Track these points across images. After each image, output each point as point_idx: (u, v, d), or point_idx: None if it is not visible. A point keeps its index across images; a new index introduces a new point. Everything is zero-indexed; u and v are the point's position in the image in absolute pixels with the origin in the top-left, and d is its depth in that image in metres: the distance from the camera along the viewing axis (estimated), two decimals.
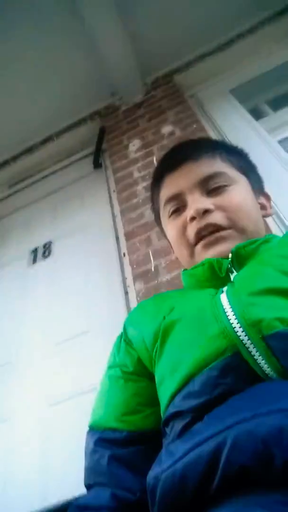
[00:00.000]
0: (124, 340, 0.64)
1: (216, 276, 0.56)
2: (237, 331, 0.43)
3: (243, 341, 0.42)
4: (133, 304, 1.17)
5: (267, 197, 0.73)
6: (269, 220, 1.08)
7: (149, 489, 0.39)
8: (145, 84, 1.99)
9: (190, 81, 1.92)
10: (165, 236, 0.76)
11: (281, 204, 1.13)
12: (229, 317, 0.45)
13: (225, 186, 0.63)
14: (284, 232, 1.07)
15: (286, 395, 0.35)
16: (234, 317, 0.44)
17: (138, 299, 1.13)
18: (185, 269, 0.66)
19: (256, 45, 1.82)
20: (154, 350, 0.54)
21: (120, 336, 0.66)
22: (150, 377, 0.57)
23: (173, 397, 0.46)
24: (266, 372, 0.40)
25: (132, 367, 0.59)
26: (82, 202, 1.83)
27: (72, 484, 0.71)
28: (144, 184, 1.47)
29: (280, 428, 0.31)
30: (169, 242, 0.74)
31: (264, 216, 0.69)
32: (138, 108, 1.90)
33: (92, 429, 0.58)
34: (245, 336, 0.42)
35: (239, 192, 0.63)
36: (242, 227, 0.60)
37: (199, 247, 0.60)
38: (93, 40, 1.70)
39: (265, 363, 0.40)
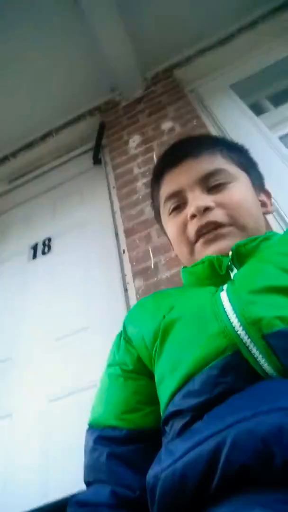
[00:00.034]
0: (124, 338, 0.64)
1: (216, 274, 0.56)
2: (237, 330, 0.43)
3: (243, 340, 0.42)
4: (133, 301, 1.17)
5: (268, 194, 0.72)
6: (269, 217, 1.07)
7: (148, 488, 0.39)
8: (145, 79, 1.97)
9: (190, 76, 1.91)
10: (165, 233, 0.76)
11: (281, 201, 1.12)
12: (229, 316, 0.45)
13: (226, 183, 0.62)
14: (285, 229, 1.07)
15: (286, 393, 0.35)
16: (234, 315, 0.44)
17: (138, 296, 1.13)
18: (185, 267, 0.66)
19: (256, 40, 1.81)
20: (154, 349, 0.54)
21: (120, 334, 0.66)
22: (150, 375, 0.57)
23: (173, 396, 0.46)
24: (266, 370, 0.39)
25: (131, 365, 0.59)
26: (81, 198, 1.83)
27: (72, 480, 0.72)
28: (144, 180, 1.47)
29: (280, 426, 0.31)
30: (169, 239, 0.73)
31: (265, 213, 0.69)
32: (138, 103, 1.89)
33: (92, 427, 0.57)
34: (245, 334, 0.42)
35: (239, 189, 0.63)
36: (243, 224, 0.59)
37: (199, 244, 0.60)
38: (93, 35, 1.68)
39: (265, 362, 0.40)
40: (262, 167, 0.76)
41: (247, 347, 0.41)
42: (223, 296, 0.48)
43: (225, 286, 0.51)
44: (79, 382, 1.16)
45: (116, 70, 1.85)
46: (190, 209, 0.61)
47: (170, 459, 0.37)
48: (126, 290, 1.25)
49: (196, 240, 0.61)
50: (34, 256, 1.69)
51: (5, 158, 2.19)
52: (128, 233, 1.34)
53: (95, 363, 1.09)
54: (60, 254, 1.63)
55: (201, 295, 0.53)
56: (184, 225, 0.63)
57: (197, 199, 0.61)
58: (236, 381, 0.41)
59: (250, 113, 1.57)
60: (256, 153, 0.77)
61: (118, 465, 0.51)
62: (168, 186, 0.68)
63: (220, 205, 0.60)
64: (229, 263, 0.55)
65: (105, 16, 1.60)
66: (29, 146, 2.16)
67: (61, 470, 0.99)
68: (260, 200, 0.68)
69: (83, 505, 0.47)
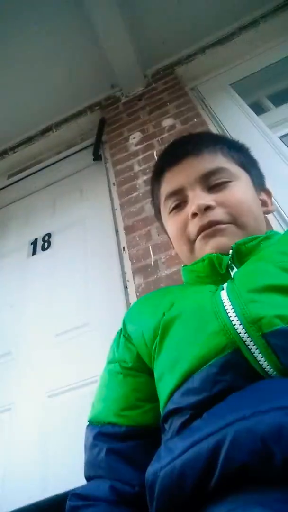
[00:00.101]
0: (124, 335, 0.64)
1: (216, 272, 0.56)
2: (237, 328, 0.43)
3: (243, 339, 0.42)
4: (133, 298, 1.18)
5: (268, 193, 0.72)
6: (269, 216, 1.08)
7: (147, 485, 0.39)
8: (145, 76, 1.96)
9: (191, 74, 1.90)
10: (165, 231, 0.76)
11: (282, 200, 1.12)
12: (229, 314, 0.45)
13: (227, 182, 0.62)
14: (285, 229, 1.08)
15: (286, 393, 0.35)
16: (234, 314, 0.44)
17: (138, 293, 1.13)
18: (185, 265, 0.66)
19: (257, 39, 1.80)
20: (154, 346, 0.54)
21: (120, 332, 0.66)
22: (149, 372, 0.57)
23: (172, 393, 0.46)
24: (266, 369, 0.40)
25: (131, 362, 0.60)
26: (81, 194, 1.83)
27: (72, 475, 0.72)
28: (145, 177, 1.46)
29: (279, 426, 0.31)
30: (169, 237, 0.73)
31: (265, 212, 0.69)
32: (139, 100, 1.88)
33: (92, 423, 0.58)
34: (245, 333, 0.42)
35: (240, 188, 0.63)
36: (243, 223, 0.59)
37: (199, 240, 0.60)
38: (94, 31, 1.68)
39: (265, 361, 0.40)
40: (263, 167, 0.76)
41: (247, 346, 0.41)
42: (223, 294, 0.48)
43: (225, 285, 0.51)
44: (78, 378, 1.16)
45: (117, 66, 1.84)
46: (191, 208, 0.61)
47: (169, 457, 0.37)
48: (126, 287, 1.25)
49: (197, 238, 0.61)
50: (34, 252, 1.69)
51: (4, 153, 2.18)
52: (128, 230, 1.34)
53: (95, 360, 1.09)
54: (60, 250, 1.63)
55: (201, 294, 0.53)
56: (185, 224, 0.63)
57: (198, 197, 0.61)
58: (236, 379, 0.41)
59: (250, 112, 1.57)
60: (257, 153, 0.76)
61: (117, 461, 0.51)
62: (168, 184, 0.68)
63: (221, 204, 0.60)
64: (229, 262, 0.55)
65: (107, 12, 1.59)
66: (28, 141, 2.15)
67: (61, 465, 1.00)
68: (260, 199, 0.68)
69: (82, 498, 0.48)
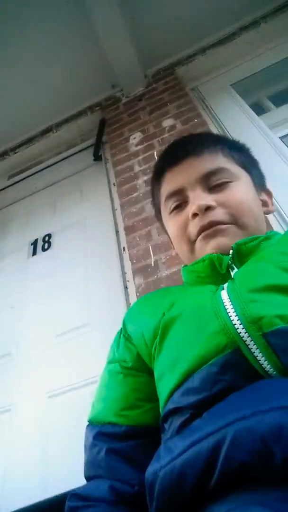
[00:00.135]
0: (124, 335, 0.64)
1: (216, 273, 0.56)
2: (237, 328, 0.43)
3: (243, 338, 0.42)
4: (133, 298, 1.18)
5: (269, 194, 0.72)
6: (270, 216, 1.08)
7: (147, 485, 0.39)
8: (146, 76, 1.96)
9: (192, 74, 1.90)
10: (165, 231, 0.76)
11: (282, 201, 1.12)
12: (229, 314, 0.45)
13: (227, 182, 0.62)
14: (285, 229, 1.07)
15: (286, 392, 0.35)
16: (235, 314, 0.44)
17: (138, 294, 1.13)
18: (185, 265, 0.66)
19: (258, 39, 1.81)
20: (154, 346, 0.54)
21: (120, 332, 0.66)
22: (149, 372, 0.57)
23: (172, 393, 0.46)
24: (266, 369, 0.40)
25: (131, 362, 0.60)
26: (82, 195, 1.83)
27: (72, 475, 0.72)
28: (145, 178, 1.46)
29: (279, 425, 0.31)
30: (169, 237, 0.73)
31: (266, 212, 0.68)
32: (139, 100, 1.88)
33: (92, 423, 0.58)
34: (245, 333, 0.42)
35: (241, 189, 0.63)
36: (244, 223, 0.59)
37: (199, 240, 0.60)
38: (94, 32, 1.68)
39: (265, 360, 0.40)
40: (263, 167, 0.76)
41: (247, 346, 0.41)
42: (224, 294, 0.48)
43: (225, 285, 0.51)
44: (78, 379, 1.16)
45: (117, 66, 1.84)
46: (191, 208, 0.61)
47: (169, 457, 0.37)
48: (126, 287, 1.25)
49: (197, 239, 0.61)
50: (34, 252, 1.69)
51: (5, 153, 2.18)
52: (129, 230, 1.34)
53: (95, 360, 1.09)
54: (60, 251, 1.63)
55: (202, 293, 0.53)
56: (185, 224, 0.63)
57: (199, 198, 0.61)
58: (236, 379, 0.41)
59: (251, 112, 1.57)
60: (257, 153, 0.76)
61: (117, 461, 0.51)
62: (169, 184, 0.68)
63: (221, 204, 0.60)
64: (230, 262, 0.55)
65: (107, 12, 1.60)
66: (29, 141, 2.15)
67: (61, 466, 1.00)
68: (261, 200, 0.68)
69: (82, 498, 0.48)
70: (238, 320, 0.43)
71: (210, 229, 0.58)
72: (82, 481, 0.54)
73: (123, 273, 1.30)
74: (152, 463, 0.41)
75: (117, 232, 1.46)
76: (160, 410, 0.49)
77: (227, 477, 0.32)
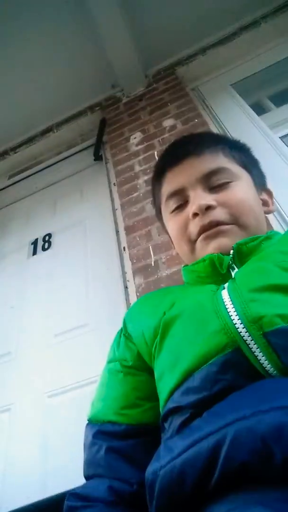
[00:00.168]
0: (124, 334, 0.64)
1: (217, 272, 0.56)
2: (238, 327, 0.43)
3: (243, 338, 0.42)
4: (133, 298, 1.17)
5: (269, 193, 0.72)
6: (270, 216, 1.08)
7: (147, 484, 0.39)
8: (146, 76, 1.96)
9: (192, 74, 1.90)
10: (166, 231, 0.76)
11: (282, 200, 1.12)
12: (230, 313, 0.45)
13: (228, 182, 0.62)
14: (286, 229, 1.07)
15: (286, 392, 0.35)
16: (235, 313, 0.44)
17: (138, 293, 1.13)
18: (185, 265, 0.66)
19: (258, 39, 1.80)
20: (154, 345, 0.54)
21: (120, 331, 0.66)
22: (150, 371, 0.57)
23: (172, 392, 0.46)
24: (267, 369, 0.40)
25: (131, 361, 0.60)
26: (82, 195, 1.83)
27: (72, 475, 0.72)
28: (145, 177, 1.46)
29: (280, 425, 0.31)
30: (170, 237, 0.73)
31: (266, 212, 0.68)
32: (140, 100, 1.88)
33: (91, 422, 0.58)
34: (246, 332, 0.42)
35: (241, 188, 0.63)
36: (244, 223, 0.59)
37: (200, 240, 0.60)
38: (95, 31, 1.68)
39: (266, 360, 0.40)
40: (263, 167, 0.76)
41: (248, 345, 0.41)
42: (224, 294, 0.48)
43: (226, 285, 0.51)
44: (78, 378, 1.16)
45: (117, 66, 1.84)
46: (192, 208, 0.61)
47: (169, 456, 0.37)
48: (126, 287, 1.25)
49: (198, 238, 0.61)
50: (34, 252, 1.69)
51: (5, 153, 2.18)
52: (129, 230, 1.34)
53: (95, 360, 1.09)
54: (61, 251, 1.63)
55: (202, 293, 0.53)
56: (186, 224, 0.63)
57: (199, 197, 0.61)
58: (236, 378, 0.41)
59: (251, 112, 1.57)
60: (258, 153, 0.76)
61: (117, 459, 0.51)
62: (169, 184, 0.68)
63: (222, 204, 0.60)
64: (230, 262, 0.55)
65: (108, 12, 1.60)
66: (29, 141, 2.15)
67: (60, 465, 1.00)
68: (261, 199, 0.67)
69: (80, 498, 0.47)
70: (238, 319, 0.43)
71: (211, 229, 0.58)
72: (82, 481, 0.54)
73: (123, 273, 1.30)
74: (152, 462, 0.41)
75: (117, 232, 1.46)
76: (160, 410, 0.49)
77: (227, 477, 0.32)
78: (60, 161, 2.05)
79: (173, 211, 0.66)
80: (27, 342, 1.38)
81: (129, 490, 0.47)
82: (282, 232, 0.74)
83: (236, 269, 0.55)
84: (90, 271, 1.45)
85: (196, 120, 1.57)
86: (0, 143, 2.20)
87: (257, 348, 0.41)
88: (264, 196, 0.70)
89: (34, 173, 2.09)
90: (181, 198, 0.65)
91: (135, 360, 0.59)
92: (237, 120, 1.55)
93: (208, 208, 0.59)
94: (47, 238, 1.72)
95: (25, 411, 1.19)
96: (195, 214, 0.60)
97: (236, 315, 0.44)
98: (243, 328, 0.42)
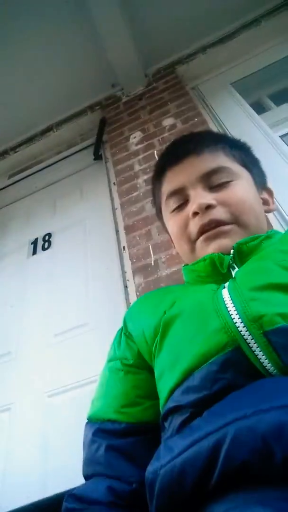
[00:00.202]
0: (124, 333, 0.64)
1: (217, 272, 0.56)
2: (238, 326, 0.43)
3: (244, 336, 0.42)
4: (133, 298, 1.17)
5: (270, 192, 0.72)
6: (270, 215, 1.07)
7: (147, 484, 0.39)
8: (146, 75, 1.96)
9: (192, 73, 1.90)
10: (166, 230, 0.76)
11: (282, 199, 1.12)
12: (230, 312, 0.45)
13: (228, 181, 0.62)
14: (285, 228, 1.07)
15: (287, 391, 0.35)
16: (236, 312, 0.44)
17: (138, 293, 1.13)
18: (185, 264, 0.66)
19: (259, 37, 1.80)
20: (154, 344, 0.54)
21: (121, 330, 0.66)
22: (150, 370, 0.57)
23: (172, 391, 0.46)
24: (267, 368, 0.39)
25: (132, 359, 0.60)
26: (82, 194, 1.83)
27: (72, 474, 0.72)
28: (145, 177, 1.46)
29: (280, 425, 0.31)
30: (170, 236, 0.73)
31: (267, 211, 0.68)
32: (140, 99, 1.88)
33: (91, 420, 0.58)
34: (246, 331, 0.42)
35: (242, 187, 0.63)
36: (245, 222, 0.59)
37: (200, 241, 0.60)
38: (95, 30, 1.67)
39: (266, 359, 0.40)
40: (263, 166, 0.75)
41: (248, 344, 0.41)
42: (225, 293, 0.48)
43: (226, 284, 0.51)
44: (78, 378, 1.16)
45: (117, 65, 1.84)
46: (192, 207, 0.60)
47: (169, 456, 0.37)
48: (126, 287, 1.25)
49: (198, 238, 0.60)
50: (34, 251, 1.69)
51: (5, 153, 2.18)
52: (129, 230, 1.33)
53: (95, 359, 1.09)
54: (60, 250, 1.63)
55: (203, 292, 0.53)
56: (186, 223, 0.63)
57: (199, 196, 0.61)
58: (236, 377, 0.41)
59: (251, 111, 1.57)
60: (258, 152, 0.76)
61: (117, 458, 0.51)
62: (169, 183, 0.68)
63: (222, 203, 0.59)
64: (231, 261, 0.55)
65: (108, 11, 1.59)
66: (29, 140, 2.15)
67: (60, 465, 1.00)
68: (262, 198, 0.67)
69: (79, 500, 0.47)
70: (239, 318, 0.43)
71: (211, 230, 0.58)
72: (82, 480, 0.53)
73: (123, 273, 1.30)
74: (152, 462, 0.41)
75: (117, 231, 1.46)
76: (160, 409, 0.49)
77: (227, 476, 0.32)
78: (60, 160, 2.05)
79: (173, 210, 0.66)
80: (27, 341, 1.38)
81: (128, 489, 0.47)
82: (282, 231, 0.74)
83: (237, 269, 0.55)
84: (90, 271, 1.45)
85: (196, 119, 1.57)
86: (0, 143, 2.20)
87: (257, 347, 0.40)
88: (265, 195, 0.70)
89: (34, 173, 2.09)
90: (181, 197, 0.65)
91: (136, 359, 0.59)
92: (237, 119, 1.55)
93: (208, 207, 0.59)
94: (47, 237, 1.72)
95: (25, 410, 1.19)
96: (195, 213, 0.60)
97: (236, 314, 0.44)
98: (244, 327, 0.42)
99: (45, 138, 2.12)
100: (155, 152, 1.54)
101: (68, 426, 1.06)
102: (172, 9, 1.75)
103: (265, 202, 0.68)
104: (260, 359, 0.40)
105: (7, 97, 1.96)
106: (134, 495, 0.46)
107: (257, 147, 0.81)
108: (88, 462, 0.53)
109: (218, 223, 0.58)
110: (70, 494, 0.48)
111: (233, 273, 0.54)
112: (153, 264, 1.17)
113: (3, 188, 2.13)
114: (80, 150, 2.02)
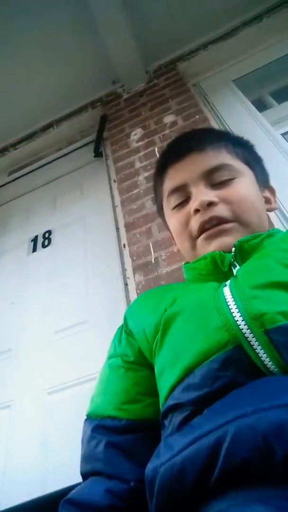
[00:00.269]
0: (125, 331, 0.64)
1: (218, 270, 0.55)
2: (240, 324, 0.42)
3: (245, 335, 0.42)
4: (133, 295, 1.17)
5: (272, 191, 0.72)
6: (271, 214, 1.07)
7: (147, 482, 0.39)
8: (147, 72, 1.95)
9: (194, 70, 1.89)
10: (167, 228, 0.75)
11: (283, 198, 1.12)
12: (231, 310, 0.44)
13: (230, 178, 0.62)
14: (287, 226, 1.07)
15: (287, 390, 0.35)
16: (237, 310, 0.44)
17: (138, 291, 1.13)
18: (186, 262, 0.66)
19: (260, 34, 1.79)
20: (155, 342, 0.54)
21: (121, 327, 0.66)
22: (150, 367, 0.57)
23: (172, 389, 0.46)
24: (268, 366, 0.39)
25: (133, 356, 0.59)
26: (82, 191, 1.82)
27: (71, 471, 0.72)
28: (146, 174, 1.46)
29: (281, 423, 0.31)
30: (171, 234, 0.73)
31: (269, 210, 0.68)
32: (140, 96, 1.87)
33: (90, 417, 0.57)
34: (247, 329, 0.42)
35: (244, 185, 0.62)
36: (246, 220, 0.59)
37: (201, 239, 0.59)
38: (96, 26, 1.67)
39: (267, 357, 0.39)
40: (265, 164, 0.75)
41: (249, 342, 0.41)
42: (226, 291, 0.48)
43: (228, 282, 0.51)
44: (78, 375, 1.16)
45: (118, 62, 1.83)
46: (193, 204, 0.60)
47: (169, 453, 0.37)
48: (126, 284, 1.25)
49: (199, 235, 0.60)
50: (34, 249, 1.69)
51: (5, 149, 2.18)
52: (129, 227, 1.33)
53: (95, 356, 1.09)
54: (60, 248, 1.62)
55: (204, 290, 0.53)
56: (187, 220, 0.62)
57: (201, 193, 0.60)
58: (237, 375, 0.41)
59: (253, 109, 1.56)
60: (259, 150, 0.76)
61: (116, 454, 0.50)
62: (171, 180, 0.67)
63: (224, 200, 0.59)
64: (232, 260, 0.55)
65: (108, 8, 1.59)
66: (29, 137, 2.14)
67: (60, 462, 1.00)
68: (264, 197, 0.67)
69: (76, 505, 0.46)
70: (240, 316, 0.43)
71: (212, 228, 0.58)
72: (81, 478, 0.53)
73: (123, 270, 1.30)
74: (152, 459, 0.41)
75: (117, 228, 1.45)
76: (160, 407, 0.49)
77: (227, 474, 0.32)
78: (60, 157, 2.05)
79: (175, 207, 0.66)
80: (27, 339, 1.38)
81: (127, 488, 0.47)
82: (283, 229, 0.74)
83: (238, 267, 0.54)
84: (90, 268, 1.45)
85: (197, 116, 1.56)
86: (0, 140, 2.19)
87: (258, 345, 0.40)
88: (267, 194, 0.69)
89: (34, 170, 2.09)
90: (183, 195, 0.65)
91: (137, 356, 0.59)
92: (239, 117, 1.54)
93: (210, 204, 0.58)
94: (47, 235, 1.71)
95: (25, 408, 1.19)
96: (197, 210, 0.59)
97: (237, 312, 0.44)
98: (245, 325, 0.42)
99: (45, 135, 2.11)
100: (156, 149, 1.53)
101: (68, 423, 1.06)
102: (174, 5, 1.74)
103: (267, 201, 0.68)
104: (261, 358, 0.40)
105: (8, 94, 1.96)
106: (134, 494, 0.46)
107: (258, 145, 0.80)
108: (87, 458, 0.53)
109: (219, 221, 0.58)
110: (66, 499, 0.47)
111: (235, 271, 0.54)
112: (153, 262, 1.17)
113: (3, 185, 2.12)
114: (80, 147, 2.02)
